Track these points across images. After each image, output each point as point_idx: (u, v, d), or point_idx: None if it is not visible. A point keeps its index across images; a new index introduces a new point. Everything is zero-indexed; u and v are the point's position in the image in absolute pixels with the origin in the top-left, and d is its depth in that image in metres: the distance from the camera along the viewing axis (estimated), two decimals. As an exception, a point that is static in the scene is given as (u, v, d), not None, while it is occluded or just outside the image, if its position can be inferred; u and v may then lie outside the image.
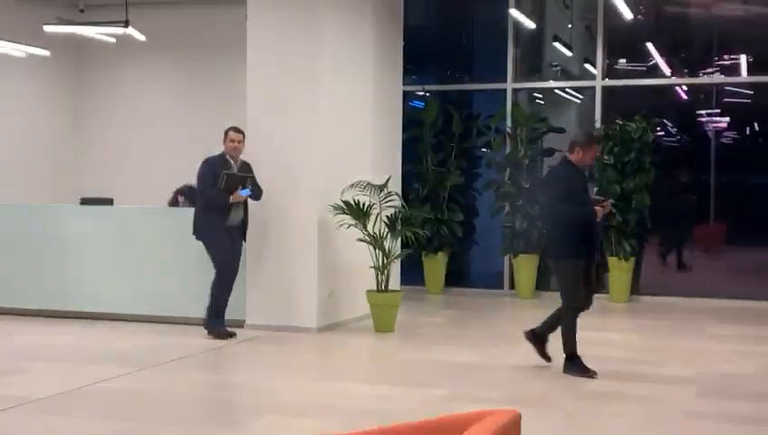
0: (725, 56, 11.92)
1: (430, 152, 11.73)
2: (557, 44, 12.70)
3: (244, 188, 8.06)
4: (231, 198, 7.97)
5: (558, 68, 12.85)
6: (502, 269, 11.86)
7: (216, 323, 8.15)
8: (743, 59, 11.74)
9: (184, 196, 9.62)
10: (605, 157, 10.94)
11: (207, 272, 8.94)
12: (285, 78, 8.63)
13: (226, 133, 8.23)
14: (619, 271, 10.98)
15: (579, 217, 6.64)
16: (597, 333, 9.08)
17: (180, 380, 6.63)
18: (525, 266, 11.38)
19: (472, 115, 12.13)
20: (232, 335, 8.14)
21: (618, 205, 10.83)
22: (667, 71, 12.02)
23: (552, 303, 10.84)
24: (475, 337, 8.50)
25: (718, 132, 12.12)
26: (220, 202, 8.00)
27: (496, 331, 8.94)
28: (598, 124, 11.34)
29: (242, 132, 8.26)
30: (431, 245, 11.43)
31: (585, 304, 6.90)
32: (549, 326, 7.08)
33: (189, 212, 9.23)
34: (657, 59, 12.02)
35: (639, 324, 9.53)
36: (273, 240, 8.64)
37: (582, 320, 9.80)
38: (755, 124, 12.23)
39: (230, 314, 8.77)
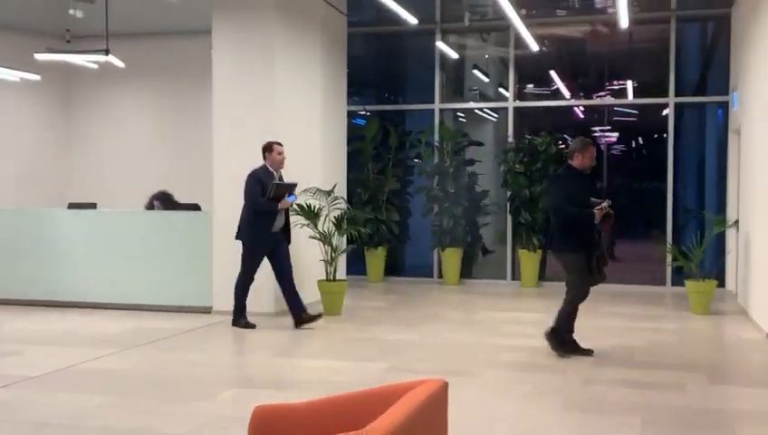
0: (615, 82, 12.13)
1: (371, 162, 11.72)
2: (476, 72, 12.81)
3: (290, 195, 7.73)
4: (279, 205, 7.62)
5: (477, 92, 12.95)
6: (431, 261, 11.91)
7: (240, 318, 7.81)
8: (629, 84, 11.97)
9: (159, 200, 9.46)
10: (517, 166, 11.05)
11: (178, 264, 8.84)
12: (246, 99, 8.54)
13: (271, 147, 7.72)
14: (528, 261, 11.10)
15: (578, 216, 6.47)
16: (511, 313, 9.18)
17: (156, 359, 6.51)
18: (451, 258, 11.44)
19: (406, 131, 12.16)
20: (253, 326, 7.77)
21: (527, 206, 10.98)
22: (567, 94, 12.19)
23: (474, 289, 10.99)
24: (410, 318, 8.51)
25: (609, 145, 12.33)
26: (271, 209, 7.59)
27: (427, 312, 8.96)
28: (510, 139, 11.45)
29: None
30: (372, 241, 11.42)
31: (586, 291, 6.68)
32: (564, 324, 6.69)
33: (164, 214, 9.14)
34: (559, 84, 12.17)
35: (546, 305, 9.62)
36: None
37: (500, 302, 9.94)
38: (639, 139, 12.49)
39: (199, 301, 8.67)
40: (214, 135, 8.63)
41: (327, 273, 8.62)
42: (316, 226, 8.46)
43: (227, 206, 8.41)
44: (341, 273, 9.47)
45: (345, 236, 9.04)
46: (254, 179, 7.66)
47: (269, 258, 7.83)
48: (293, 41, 8.87)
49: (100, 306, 8.94)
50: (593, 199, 6.58)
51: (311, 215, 8.42)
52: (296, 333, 7.70)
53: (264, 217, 7.63)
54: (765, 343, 6.88)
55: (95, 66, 11.09)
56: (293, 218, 8.19)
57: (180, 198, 9.56)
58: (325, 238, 8.47)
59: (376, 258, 11.71)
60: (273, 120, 8.50)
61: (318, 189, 8.52)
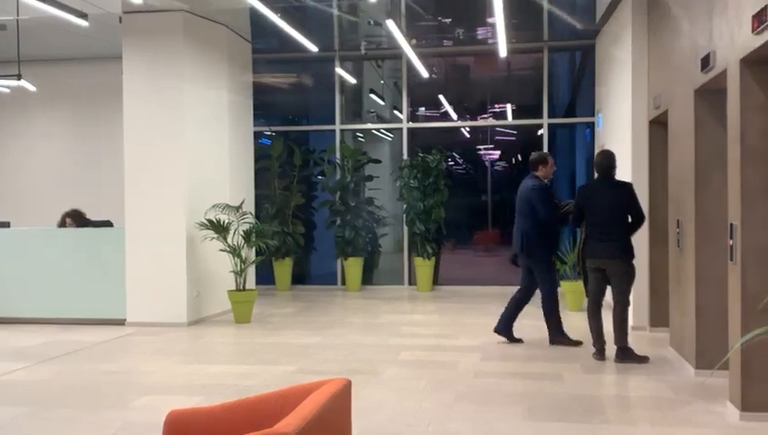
0: (496, 105, 12.51)
1: (277, 179, 11.64)
2: (373, 96, 12.94)
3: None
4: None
5: (374, 114, 13.08)
6: (335, 270, 11.92)
7: (562, 335, 6.97)
8: (508, 107, 12.36)
9: (71, 218, 9.10)
10: (411, 181, 11.21)
11: (92, 279, 8.54)
12: (155, 121, 8.36)
13: (546, 160, 6.98)
14: (423, 267, 11.28)
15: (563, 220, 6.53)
16: (408, 316, 9.29)
17: (71, 370, 6.24)
18: (353, 267, 11.48)
19: (309, 150, 12.15)
20: (579, 344, 6.88)
21: (421, 217, 11.16)
22: (454, 116, 12.47)
23: (374, 295, 11.06)
24: (316, 323, 8.49)
25: (492, 162, 12.67)
26: (561, 221, 6.95)
27: (332, 317, 8.96)
28: (405, 156, 11.61)
29: None
30: (279, 252, 11.35)
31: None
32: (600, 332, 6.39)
33: (77, 232, 8.80)
34: (447, 107, 12.45)
35: (440, 307, 9.81)
36: (149, 253, 8.32)
37: (398, 306, 10.05)
38: (519, 156, 12.89)
39: (113, 314, 8.39)
40: (125, 156, 8.39)
41: (237, 283, 8.52)
42: (225, 239, 8.35)
43: (138, 221, 8.22)
44: (251, 283, 9.36)
45: (254, 249, 8.94)
46: (545, 192, 6.88)
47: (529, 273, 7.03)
48: (201, 65, 8.74)
49: (15, 321, 8.53)
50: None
51: (220, 229, 8.30)
52: (208, 341, 7.56)
53: (551, 232, 6.97)
54: (632, 335, 7.24)
55: (7, 90, 10.63)
56: (203, 232, 8.03)
57: (93, 216, 9.24)
58: (235, 251, 8.36)
59: (283, 268, 11.62)
60: (182, 140, 8.34)
61: (226, 205, 8.42)
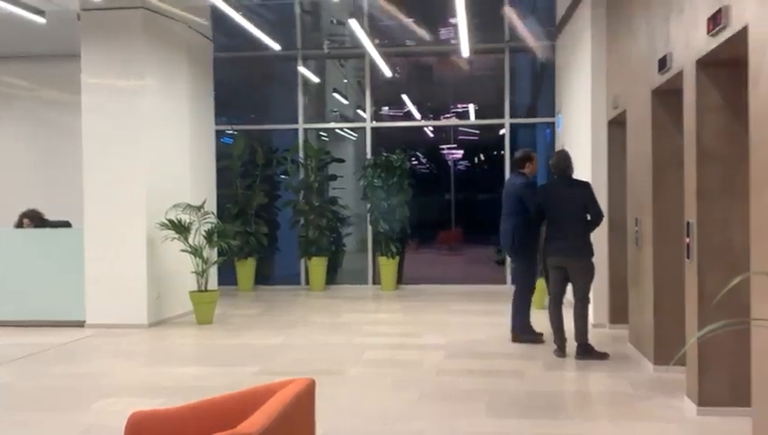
0: (459, 105, 12.59)
1: (239, 178, 11.55)
2: (336, 95, 12.92)
3: None
4: None
5: (337, 113, 13.06)
6: (299, 270, 11.88)
7: (525, 332, 7.00)
8: (471, 107, 12.45)
9: (28, 218, 8.91)
10: (375, 181, 11.22)
11: (50, 280, 8.37)
12: (115, 120, 8.23)
13: (531, 157, 6.96)
14: (387, 266, 11.29)
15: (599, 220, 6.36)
16: (372, 314, 9.30)
17: (31, 372, 6.11)
18: (317, 267, 11.45)
19: (272, 149, 12.06)
20: (540, 336, 6.98)
21: (385, 216, 11.17)
22: (417, 115, 12.52)
23: (338, 294, 11.04)
24: (279, 323, 8.45)
25: (455, 161, 12.75)
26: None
27: (296, 317, 8.93)
28: (368, 156, 11.62)
29: None
30: (242, 252, 11.26)
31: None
32: (581, 332, 6.33)
33: (35, 232, 8.62)
34: (411, 107, 12.49)
35: (404, 306, 9.84)
36: (109, 253, 8.19)
37: (362, 305, 10.06)
38: (481, 155, 13.00)
39: (72, 315, 8.24)
40: (84, 155, 8.24)
41: (199, 284, 8.43)
42: (187, 239, 8.26)
43: (97, 221, 8.10)
44: (213, 283, 9.28)
45: (216, 249, 8.86)
46: (535, 189, 6.80)
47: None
48: (161, 63, 8.63)
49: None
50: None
51: (181, 229, 8.21)
52: (170, 342, 7.47)
53: (539, 227, 6.78)
54: (591, 332, 7.35)
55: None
56: (163, 233, 7.93)
57: (51, 216, 9.05)
58: (196, 251, 8.28)
59: (246, 269, 11.54)
60: (141, 139, 8.23)
61: (188, 205, 8.33)
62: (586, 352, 6.30)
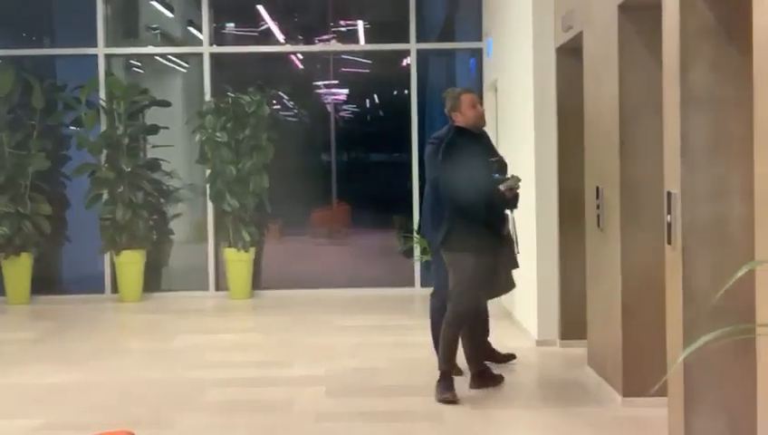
0: (342, 22, 12.60)
1: (6, 131, 11.15)
2: (155, 4, 12.65)
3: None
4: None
5: (158, 31, 12.82)
6: (102, 270, 11.64)
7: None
8: (360, 25, 12.48)
9: None
10: (218, 134, 11.09)
11: None
12: None
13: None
14: (238, 263, 11.22)
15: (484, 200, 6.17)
16: (218, 335, 9.23)
17: None
18: (130, 265, 11.24)
19: (56, 86, 11.74)
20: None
21: (233, 188, 11.08)
22: (280, 37, 12.44)
23: (165, 306, 10.87)
24: (73, 352, 8.25)
25: (337, 105, 12.78)
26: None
27: (98, 343, 8.74)
28: (207, 97, 11.48)
29: None
30: (12, 245, 10.96)
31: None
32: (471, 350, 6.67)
33: None
34: (270, 24, 12.39)
35: (264, 322, 9.81)
36: None
37: (202, 322, 9.94)
38: (375, 96, 13.05)
39: None
40: None
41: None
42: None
43: None
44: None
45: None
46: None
47: None
48: None
49: None
50: (498, 176, 6.42)
51: None
52: None
53: None
54: (535, 352, 7.54)
55: None
56: None
57: None
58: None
59: (18, 270, 11.22)
60: None
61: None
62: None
